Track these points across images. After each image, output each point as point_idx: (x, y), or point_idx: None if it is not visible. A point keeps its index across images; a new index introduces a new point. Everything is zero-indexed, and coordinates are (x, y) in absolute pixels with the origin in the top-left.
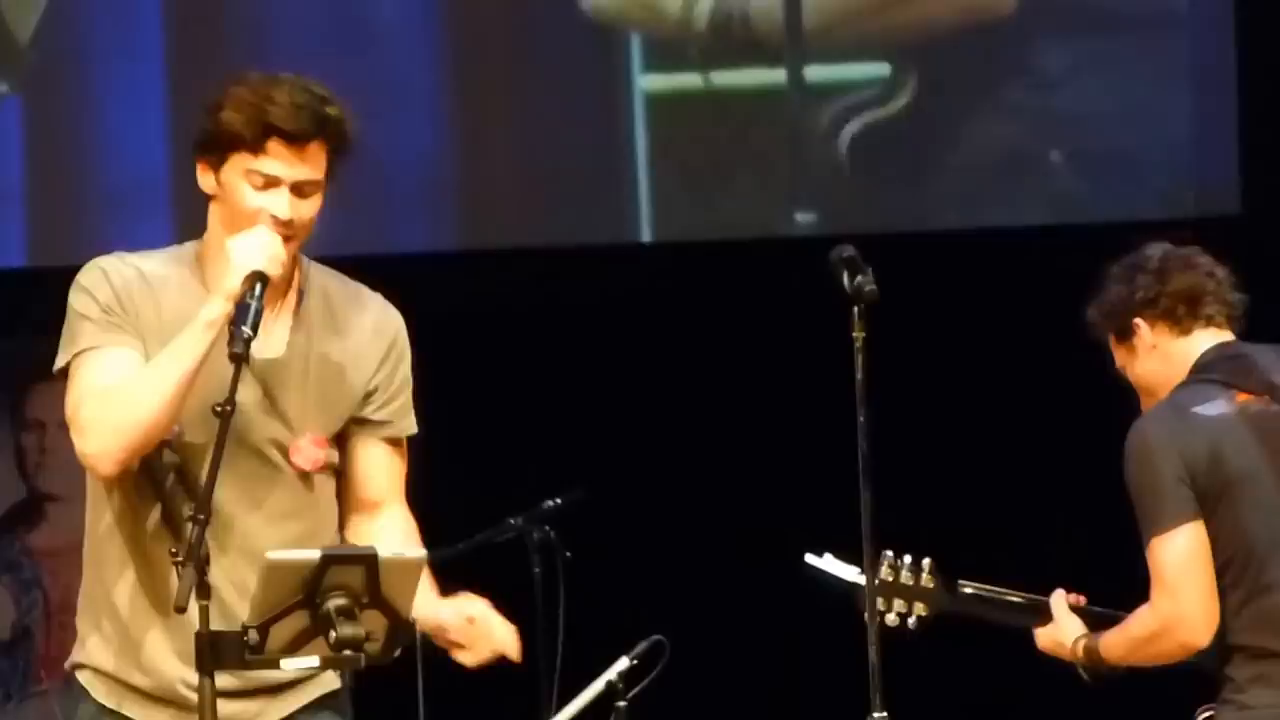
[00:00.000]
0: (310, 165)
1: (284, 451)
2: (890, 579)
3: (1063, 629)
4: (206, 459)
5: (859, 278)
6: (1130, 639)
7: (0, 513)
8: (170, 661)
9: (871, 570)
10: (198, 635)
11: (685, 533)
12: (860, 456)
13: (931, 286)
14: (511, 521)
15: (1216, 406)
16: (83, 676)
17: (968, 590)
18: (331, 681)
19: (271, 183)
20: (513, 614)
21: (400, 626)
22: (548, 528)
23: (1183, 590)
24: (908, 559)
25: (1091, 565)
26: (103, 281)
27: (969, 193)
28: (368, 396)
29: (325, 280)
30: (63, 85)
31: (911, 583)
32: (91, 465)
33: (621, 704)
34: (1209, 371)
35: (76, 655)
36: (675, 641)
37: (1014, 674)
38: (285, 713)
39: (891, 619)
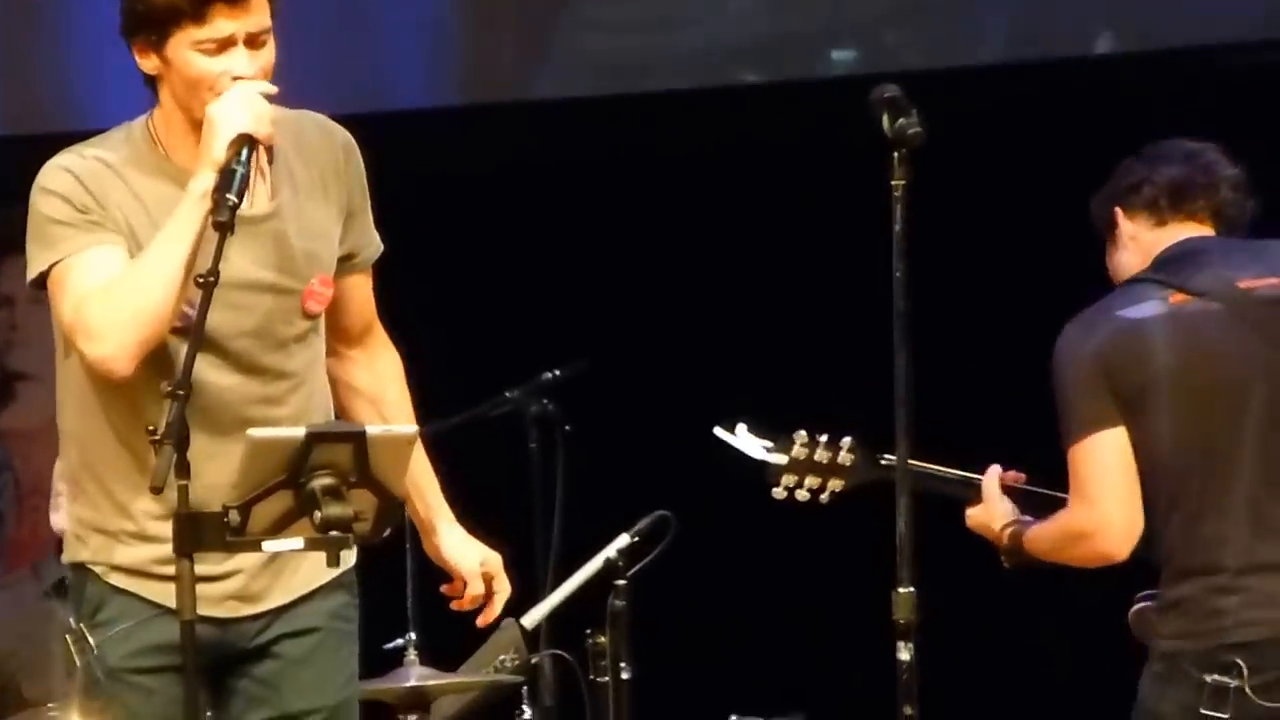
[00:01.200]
0: (257, 13)
1: (299, 303)
2: (802, 457)
3: (992, 511)
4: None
5: (901, 120)
6: (1050, 539)
7: None
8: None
9: (905, 445)
10: (176, 516)
11: (692, 404)
12: (896, 315)
13: (982, 127)
14: (508, 394)
15: (1145, 309)
16: (85, 564)
17: (885, 462)
18: (347, 559)
19: (226, 44)
20: (509, 490)
21: (390, 505)
22: (546, 401)
23: (1100, 499)
24: (824, 437)
25: None
26: (70, 181)
27: (1021, 21)
28: (345, 223)
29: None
30: None
31: (826, 460)
32: (109, 369)
33: (621, 582)
34: (1156, 270)
35: (78, 552)
36: (681, 517)
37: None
38: (301, 592)
39: (802, 494)
